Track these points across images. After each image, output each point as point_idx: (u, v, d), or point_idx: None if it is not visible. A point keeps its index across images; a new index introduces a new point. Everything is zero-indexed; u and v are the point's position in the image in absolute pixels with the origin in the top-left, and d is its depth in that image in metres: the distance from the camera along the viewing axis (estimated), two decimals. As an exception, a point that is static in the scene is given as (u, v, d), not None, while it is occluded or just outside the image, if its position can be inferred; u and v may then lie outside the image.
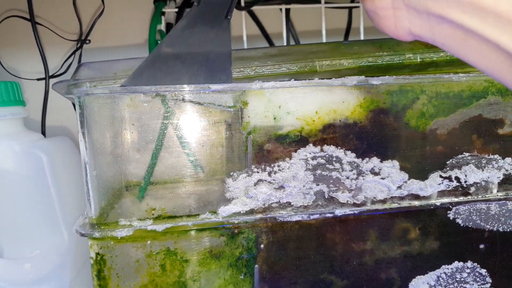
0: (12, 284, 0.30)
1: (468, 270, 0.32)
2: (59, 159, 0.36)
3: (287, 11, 0.48)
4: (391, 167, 0.30)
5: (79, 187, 0.38)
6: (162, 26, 0.46)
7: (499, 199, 0.31)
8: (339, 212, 0.29)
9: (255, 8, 0.48)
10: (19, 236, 0.34)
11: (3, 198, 0.33)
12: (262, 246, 0.30)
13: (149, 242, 0.28)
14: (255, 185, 0.29)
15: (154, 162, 0.29)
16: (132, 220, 0.28)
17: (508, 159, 0.31)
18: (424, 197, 0.30)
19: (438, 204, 0.31)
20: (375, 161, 0.29)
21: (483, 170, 0.31)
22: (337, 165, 0.29)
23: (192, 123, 0.28)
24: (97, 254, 0.28)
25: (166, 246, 0.29)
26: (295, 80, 0.28)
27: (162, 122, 0.28)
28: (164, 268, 0.29)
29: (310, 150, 0.29)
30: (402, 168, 0.30)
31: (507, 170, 0.31)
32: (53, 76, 0.46)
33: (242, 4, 0.45)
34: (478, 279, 0.32)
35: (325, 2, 0.46)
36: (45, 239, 0.34)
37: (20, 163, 0.33)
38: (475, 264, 0.32)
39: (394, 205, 0.30)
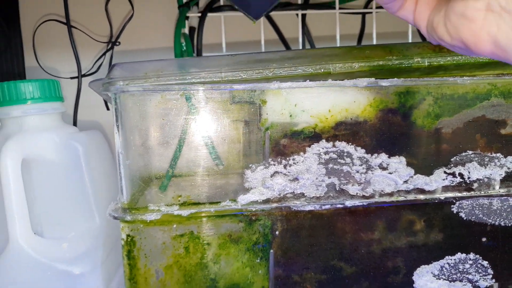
0: (52, 261, 0.33)
1: (470, 262, 0.34)
2: (93, 150, 0.39)
3: (303, 16, 0.51)
4: (398, 163, 0.32)
5: (109, 176, 0.41)
6: (186, 30, 0.49)
7: (501, 195, 0.33)
8: (349, 203, 0.32)
9: (273, 14, 0.51)
10: (57, 219, 0.37)
11: (44, 185, 0.37)
12: (277, 233, 0.32)
13: (174, 226, 0.31)
14: (271, 177, 0.31)
15: (179, 154, 0.32)
16: (160, 206, 0.31)
17: (510, 158, 0.33)
18: (429, 191, 0.33)
19: (442, 198, 0.33)
20: (383, 157, 0.32)
21: (485, 167, 0.33)
22: (348, 160, 0.32)
23: (214, 120, 0.31)
24: (128, 236, 0.31)
25: (190, 230, 0.31)
26: (310, 81, 0.31)
27: (187, 118, 0.31)
28: (187, 250, 0.32)
29: (323, 145, 0.31)
30: (408, 164, 0.32)
31: (509, 168, 0.33)
32: (85, 75, 0.50)
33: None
34: (480, 271, 0.34)
35: (340, 8, 0.48)
36: (80, 222, 0.38)
37: (58, 153, 0.37)
38: (478, 256, 0.34)
39: (401, 198, 0.32)
